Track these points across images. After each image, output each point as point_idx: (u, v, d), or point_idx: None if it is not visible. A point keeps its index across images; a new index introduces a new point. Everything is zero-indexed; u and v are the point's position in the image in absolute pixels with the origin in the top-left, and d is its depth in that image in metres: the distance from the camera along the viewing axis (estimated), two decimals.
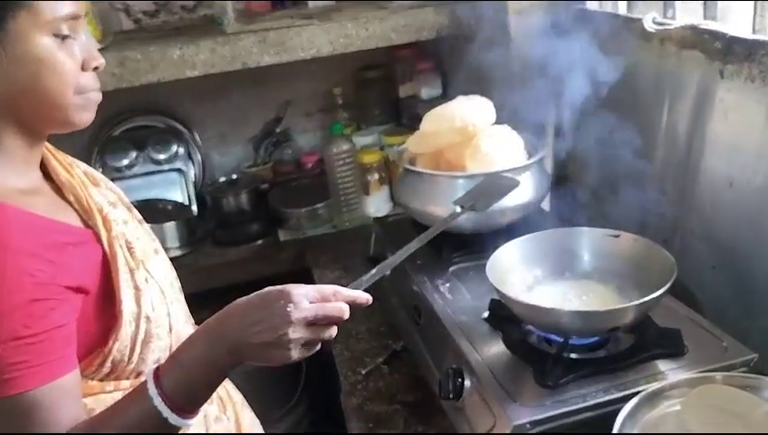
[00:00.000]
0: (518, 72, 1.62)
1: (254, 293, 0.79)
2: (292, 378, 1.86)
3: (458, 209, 1.01)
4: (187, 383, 0.78)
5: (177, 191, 1.98)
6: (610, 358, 0.90)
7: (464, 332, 1.01)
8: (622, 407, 0.81)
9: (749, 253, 1.01)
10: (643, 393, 0.81)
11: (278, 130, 2.12)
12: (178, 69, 1.62)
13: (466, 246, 1.23)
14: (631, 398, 0.81)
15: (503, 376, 0.91)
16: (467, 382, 0.93)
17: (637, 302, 0.84)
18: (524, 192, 1.19)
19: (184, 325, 1.00)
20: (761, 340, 0.95)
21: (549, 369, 0.87)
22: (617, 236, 1.02)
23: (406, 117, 2.09)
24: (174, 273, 1.05)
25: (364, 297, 0.80)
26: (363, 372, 1.22)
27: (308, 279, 1.63)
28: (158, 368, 0.80)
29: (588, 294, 0.98)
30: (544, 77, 1.52)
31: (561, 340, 0.91)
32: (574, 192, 1.35)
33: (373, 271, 0.85)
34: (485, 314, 1.03)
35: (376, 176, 1.84)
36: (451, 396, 0.94)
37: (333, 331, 0.78)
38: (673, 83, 1.14)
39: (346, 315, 0.77)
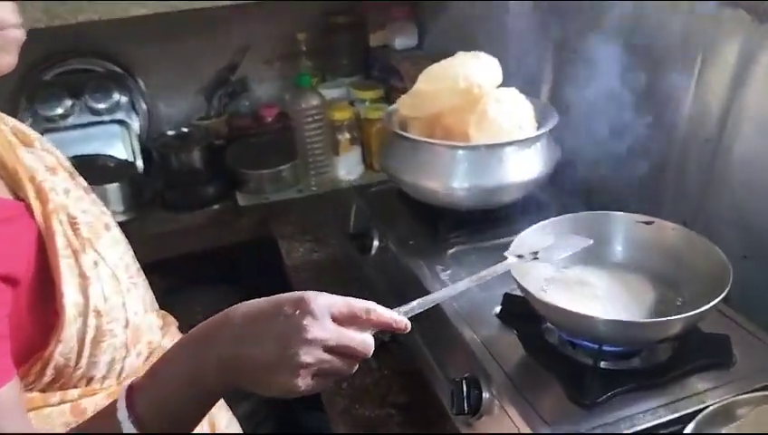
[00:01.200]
0: (511, 25, 1.47)
1: (263, 298, 0.63)
2: None
3: (514, 259, 0.82)
4: (166, 407, 0.63)
5: (120, 146, 1.75)
6: (651, 370, 0.78)
7: (475, 331, 0.87)
8: (672, 431, 0.71)
9: None
10: (700, 417, 0.70)
11: (233, 79, 1.90)
12: (121, 5, 1.39)
13: (465, 224, 1.09)
14: (683, 420, 0.70)
15: (526, 388, 0.78)
16: (486, 394, 0.80)
17: (691, 313, 0.72)
18: (533, 166, 1.05)
19: (145, 316, 0.83)
20: None
21: (585, 383, 0.75)
22: (649, 224, 0.89)
23: (376, 69, 1.91)
24: (130, 251, 0.87)
25: (404, 323, 0.65)
26: None
27: (273, 250, 1.46)
28: (131, 385, 0.64)
29: (621, 288, 0.85)
30: (543, 33, 1.38)
31: (596, 347, 0.78)
32: (575, 167, 1.22)
33: (413, 304, 0.69)
34: (497, 309, 0.90)
35: (347, 135, 1.67)
36: (466, 411, 0.80)
37: (354, 367, 0.63)
38: (707, 45, 1.00)
39: (370, 353, 0.62)
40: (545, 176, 1.07)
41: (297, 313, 0.59)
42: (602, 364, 0.79)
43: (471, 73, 1.04)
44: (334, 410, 1.00)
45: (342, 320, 0.61)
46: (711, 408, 0.70)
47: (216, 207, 1.64)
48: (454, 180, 1.03)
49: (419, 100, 1.09)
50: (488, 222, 1.09)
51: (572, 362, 0.80)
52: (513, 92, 1.07)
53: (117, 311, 0.75)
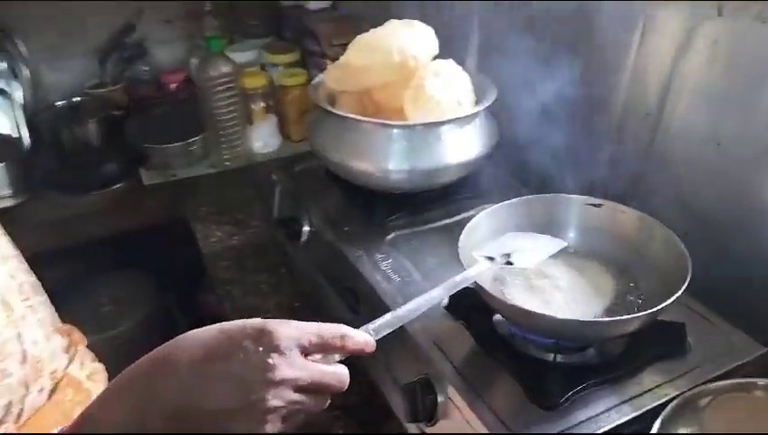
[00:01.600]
0: None
1: (215, 325, 0.53)
2: None
3: (486, 263, 0.76)
4: None
5: (2, 119, 1.55)
6: (608, 364, 0.74)
7: (423, 326, 0.81)
8: (637, 429, 0.68)
9: (733, 220, 0.89)
10: (665, 414, 0.67)
11: (130, 41, 1.72)
12: None
13: (402, 207, 1.02)
14: (647, 416, 0.68)
15: (483, 387, 0.73)
16: (440, 398, 0.75)
17: (652, 310, 0.68)
18: (473, 145, 1.00)
19: (46, 343, 0.71)
20: (745, 321, 0.86)
21: (545, 383, 0.71)
22: (598, 206, 0.86)
23: (289, 30, 1.79)
24: (23, 265, 0.74)
25: (373, 346, 0.59)
26: None
27: (186, 234, 1.34)
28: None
29: (580, 279, 0.81)
30: None
31: (553, 343, 0.75)
32: (509, 143, 1.17)
33: (385, 318, 0.62)
34: (445, 302, 0.84)
35: (261, 104, 1.55)
36: (421, 418, 0.75)
37: (326, 402, 0.55)
38: (648, 16, 0.96)
39: (346, 385, 0.54)
40: (486, 155, 1.01)
41: (260, 350, 0.50)
42: (558, 358, 0.75)
43: (405, 45, 0.96)
44: None
45: (312, 350, 0.54)
46: (674, 403, 0.68)
47: (117, 186, 1.49)
48: (389, 162, 0.96)
49: (349, 73, 1.00)
50: (427, 203, 1.03)
51: (528, 358, 0.76)
52: (450, 65, 1.00)
53: (11, 345, 0.64)
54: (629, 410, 0.69)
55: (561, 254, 0.84)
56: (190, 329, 0.54)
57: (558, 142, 1.12)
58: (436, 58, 1.01)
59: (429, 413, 0.75)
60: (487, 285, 0.77)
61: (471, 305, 0.81)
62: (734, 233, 0.89)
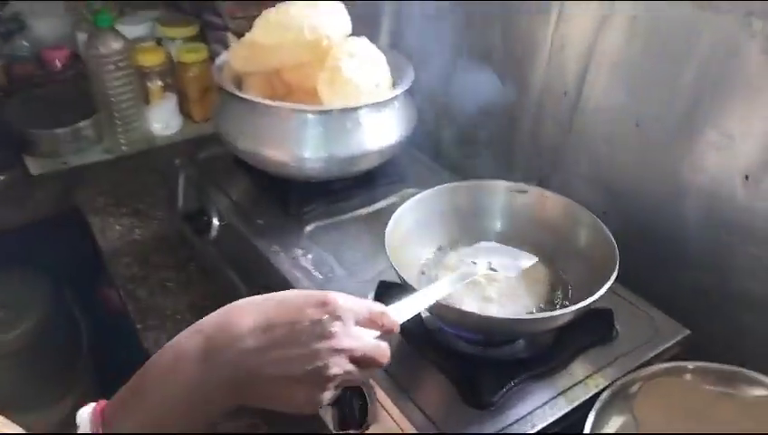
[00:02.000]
0: None
1: (272, 296, 0.55)
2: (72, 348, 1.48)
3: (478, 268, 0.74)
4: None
5: None
6: (538, 357, 0.73)
7: None
8: (572, 421, 0.67)
9: (651, 200, 0.89)
10: (598, 406, 0.66)
11: (4, 15, 1.55)
12: None
13: (318, 195, 0.97)
14: (582, 408, 0.67)
15: (414, 389, 0.70)
16: (369, 402, 0.71)
17: (582, 304, 0.67)
18: (392, 129, 0.95)
19: None
20: (667, 303, 0.87)
21: (478, 382, 0.68)
22: (523, 192, 0.84)
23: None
24: None
25: (398, 329, 0.59)
26: None
27: (81, 229, 1.23)
28: (103, 405, 0.52)
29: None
30: None
31: (481, 339, 0.72)
32: (425, 125, 1.14)
33: (405, 301, 0.62)
34: (371, 296, 0.80)
35: (158, 82, 1.44)
36: (351, 425, 0.71)
37: (370, 375, 0.62)
38: None
39: (387, 361, 0.56)
40: (405, 139, 0.97)
41: (325, 318, 0.52)
42: (489, 352, 0.73)
43: (317, 23, 0.90)
44: None
45: (362, 325, 0.55)
46: (605, 394, 0.67)
47: (0, 178, 1.34)
48: (304, 150, 0.90)
49: (256, 53, 0.92)
50: (345, 192, 0.98)
51: (459, 354, 0.73)
52: (365, 44, 0.94)
53: None
54: (563, 405, 0.68)
55: (493, 244, 0.82)
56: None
57: (476, 122, 1.10)
58: (349, 36, 0.95)
59: (359, 419, 0.71)
60: (413, 281, 0.73)
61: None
62: (653, 213, 0.90)
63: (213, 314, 0.55)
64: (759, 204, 0.77)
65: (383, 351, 0.55)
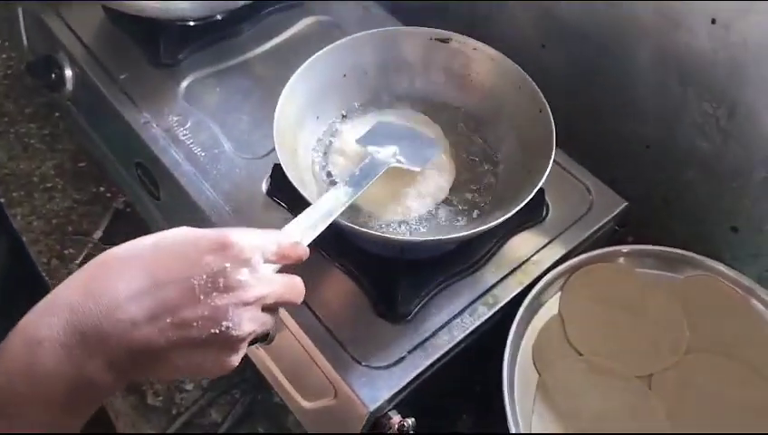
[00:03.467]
0: None
1: (145, 240, 0.42)
2: None
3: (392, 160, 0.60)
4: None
5: None
6: (461, 253, 0.63)
7: (239, 222, 0.65)
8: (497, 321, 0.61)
9: (599, 36, 0.75)
10: (520, 312, 0.60)
11: None
12: None
13: (195, 36, 0.78)
14: (507, 310, 0.60)
15: (318, 299, 0.61)
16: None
17: (505, 217, 0.56)
18: None
19: None
20: (604, 154, 0.77)
21: (393, 291, 0.59)
22: (446, 41, 0.67)
23: None
24: None
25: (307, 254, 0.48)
26: None
27: None
28: None
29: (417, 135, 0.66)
30: None
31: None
32: None
33: (304, 217, 0.49)
34: (265, 186, 0.67)
35: None
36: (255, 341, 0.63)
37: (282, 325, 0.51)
38: None
39: (302, 298, 0.46)
40: None
41: (228, 266, 0.40)
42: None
43: None
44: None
45: (271, 261, 0.44)
46: (529, 297, 0.60)
47: None
48: None
49: None
50: (229, 27, 0.79)
51: (368, 255, 0.63)
52: None
53: None
54: (484, 311, 0.61)
55: (407, 111, 0.68)
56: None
57: None
58: None
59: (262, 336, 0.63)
60: (310, 176, 0.61)
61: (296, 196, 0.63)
62: (600, 52, 0.76)
63: (76, 274, 0.41)
64: (722, 54, 0.64)
65: (298, 289, 0.46)
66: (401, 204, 0.63)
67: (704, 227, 0.75)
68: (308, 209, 0.49)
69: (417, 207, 0.63)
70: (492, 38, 0.76)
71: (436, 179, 0.65)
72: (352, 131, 0.66)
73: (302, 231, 0.48)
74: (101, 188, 0.86)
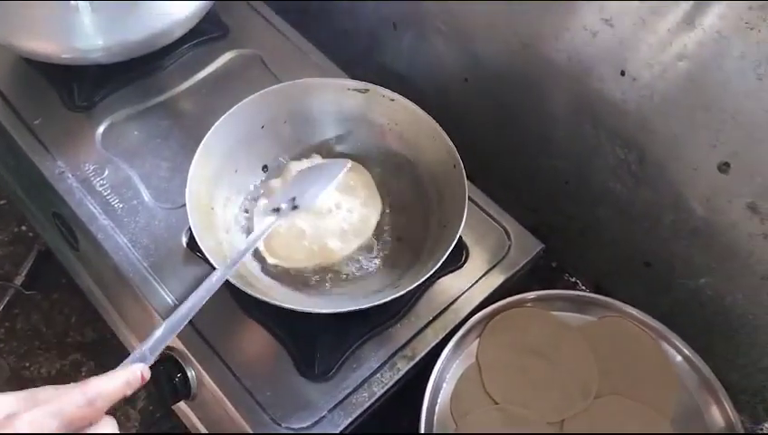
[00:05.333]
0: None
1: None
2: None
3: (272, 219, 0.60)
4: None
5: None
6: (381, 308, 0.63)
7: (158, 278, 0.64)
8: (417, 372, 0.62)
9: (518, 75, 0.76)
10: (439, 365, 0.61)
11: None
12: None
13: (111, 77, 0.76)
14: (424, 363, 0.62)
15: (235, 357, 0.61)
16: (191, 373, 0.62)
17: (422, 278, 0.57)
18: None
19: None
20: (522, 189, 0.79)
21: (313, 349, 0.61)
22: (365, 92, 0.67)
23: None
24: None
25: (146, 375, 0.46)
26: None
27: None
28: None
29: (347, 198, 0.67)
30: None
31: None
32: None
33: (158, 333, 0.48)
34: (185, 238, 0.67)
35: None
36: (180, 399, 0.63)
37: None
38: None
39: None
40: (204, 7, 0.74)
41: None
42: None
43: None
44: None
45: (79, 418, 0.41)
46: (446, 350, 0.62)
47: None
48: (76, 40, 0.67)
49: None
50: (148, 64, 0.77)
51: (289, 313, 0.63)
52: None
53: None
54: (403, 364, 0.62)
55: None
56: None
57: None
58: None
59: (184, 390, 0.63)
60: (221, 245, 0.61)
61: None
62: (518, 88, 0.77)
63: None
64: (631, 104, 0.66)
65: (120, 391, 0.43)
66: (322, 246, 0.64)
67: (618, 260, 0.77)
68: (162, 327, 0.48)
69: (338, 249, 0.64)
70: (419, 70, 0.77)
71: (360, 211, 0.66)
72: (275, 182, 0.66)
73: (151, 347, 0.47)
74: (23, 228, 0.85)
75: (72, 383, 0.42)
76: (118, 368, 0.45)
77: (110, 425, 0.43)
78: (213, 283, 0.52)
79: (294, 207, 0.61)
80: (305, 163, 0.68)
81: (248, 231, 0.65)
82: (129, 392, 0.45)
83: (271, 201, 0.62)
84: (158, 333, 0.48)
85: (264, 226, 0.59)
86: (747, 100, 0.56)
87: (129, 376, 0.45)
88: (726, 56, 0.55)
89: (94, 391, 0.42)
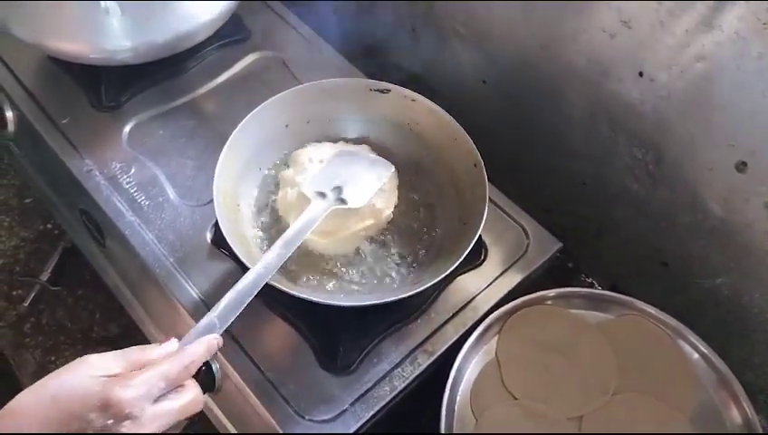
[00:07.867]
0: None
1: (45, 390, 0.45)
2: None
3: (320, 202, 0.61)
4: None
5: None
6: (401, 303, 0.65)
7: (184, 273, 0.66)
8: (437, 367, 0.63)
9: (536, 76, 0.77)
10: (458, 361, 0.62)
11: None
12: None
13: (137, 78, 0.78)
14: (442, 360, 0.63)
15: (260, 350, 0.62)
16: (215, 367, 0.64)
17: (440, 277, 0.59)
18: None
19: None
20: (538, 189, 0.80)
21: (335, 347, 0.62)
22: (386, 92, 0.69)
23: None
24: None
25: (219, 345, 0.51)
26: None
27: None
28: None
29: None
30: None
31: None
32: None
33: (227, 299, 0.52)
34: (210, 235, 0.68)
35: None
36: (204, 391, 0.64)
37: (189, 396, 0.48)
38: None
39: (201, 406, 0.49)
40: (228, 10, 0.76)
41: (110, 423, 0.44)
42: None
43: None
44: (25, 372, 0.76)
45: (170, 388, 0.47)
46: (466, 345, 0.63)
47: None
48: (104, 41, 0.69)
49: None
50: (174, 66, 0.79)
51: (312, 308, 0.64)
52: None
53: None
54: (424, 359, 0.63)
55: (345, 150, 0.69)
56: None
57: None
58: None
59: (207, 382, 0.64)
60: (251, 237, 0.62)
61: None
62: (536, 91, 0.78)
63: None
64: (649, 105, 0.67)
65: (192, 405, 0.48)
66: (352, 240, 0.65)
67: (635, 260, 0.78)
68: (230, 293, 0.51)
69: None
70: (436, 72, 0.78)
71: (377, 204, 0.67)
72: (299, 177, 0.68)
73: (219, 315, 0.51)
74: (49, 226, 0.86)
75: (145, 345, 0.49)
76: (190, 332, 0.50)
77: (195, 387, 0.49)
78: (271, 260, 0.55)
79: (341, 200, 0.62)
80: (309, 149, 0.69)
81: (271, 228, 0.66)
82: (207, 358, 0.50)
83: (313, 184, 0.63)
84: (227, 299, 0.52)
85: (317, 210, 0.60)
86: (765, 99, 0.56)
87: (208, 344, 0.50)
88: (744, 57, 0.56)
89: (189, 356, 0.48)
